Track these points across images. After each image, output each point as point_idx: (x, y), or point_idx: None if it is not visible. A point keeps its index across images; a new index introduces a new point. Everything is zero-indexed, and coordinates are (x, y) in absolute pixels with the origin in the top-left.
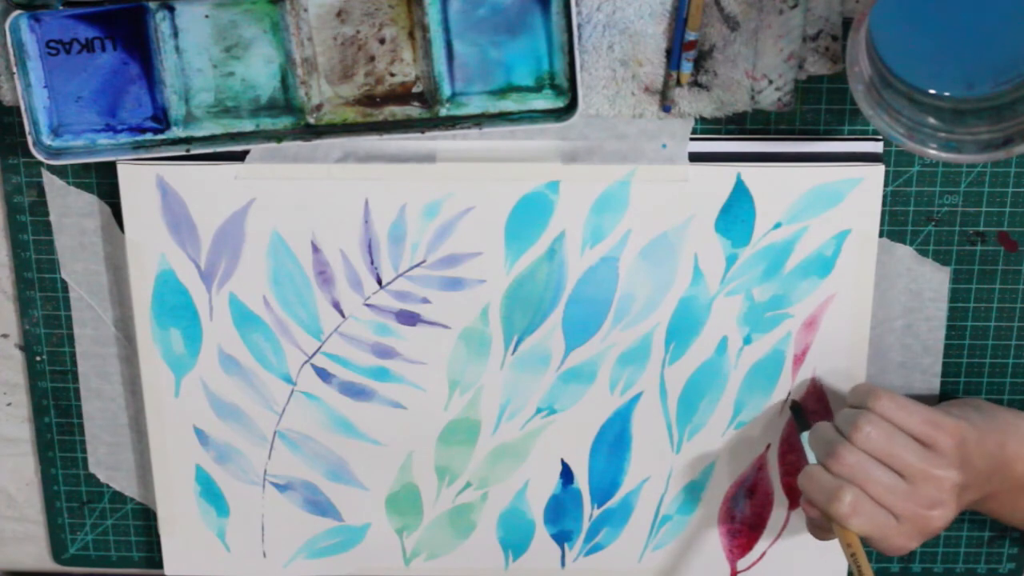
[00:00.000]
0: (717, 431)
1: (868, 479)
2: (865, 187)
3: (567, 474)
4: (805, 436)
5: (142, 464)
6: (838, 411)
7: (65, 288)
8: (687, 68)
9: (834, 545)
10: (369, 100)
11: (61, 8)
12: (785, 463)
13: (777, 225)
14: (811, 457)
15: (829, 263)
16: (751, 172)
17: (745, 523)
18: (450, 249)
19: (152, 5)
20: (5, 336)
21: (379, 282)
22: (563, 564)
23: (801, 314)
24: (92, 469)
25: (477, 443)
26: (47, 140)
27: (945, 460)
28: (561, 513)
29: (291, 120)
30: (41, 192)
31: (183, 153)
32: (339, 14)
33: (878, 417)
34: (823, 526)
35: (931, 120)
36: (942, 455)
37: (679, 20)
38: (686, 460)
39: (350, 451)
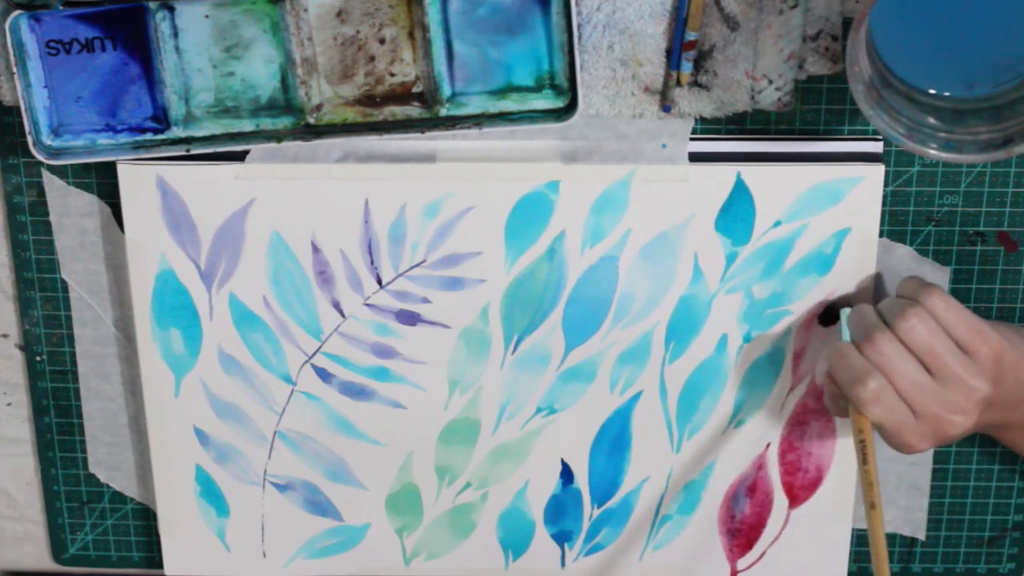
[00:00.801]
0: (717, 430)
1: (897, 371)
2: (865, 186)
3: (567, 474)
4: (846, 313)
5: (142, 464)
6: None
7: (65, 288)
8: (687, 68)
9: (833, 545)
10: (369, 100)
11: (61, 8)
12: (785, 463)
13: (777, 223)
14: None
15: (829, 261)
16: (751, 171)
17: (745, 523)
18: (450, 249)
19: (152, 5)
20: (5, 336)
21: (379, 282)
22: (563, 564)
23: (801, 312)
24: (92, 469)
25: (477, 443)
26: (47, 140)
27: (980, 371)
28: (561, 513)
29: (291, 120)
30: (41, 192)
31: (183, 153)
32: (339, 14)
33: (927, 313)
34: (840, 404)
35: (931, 120)
36: (979, 365)
37: (679, 20)
38: (686, 460)
39: (350, 451)
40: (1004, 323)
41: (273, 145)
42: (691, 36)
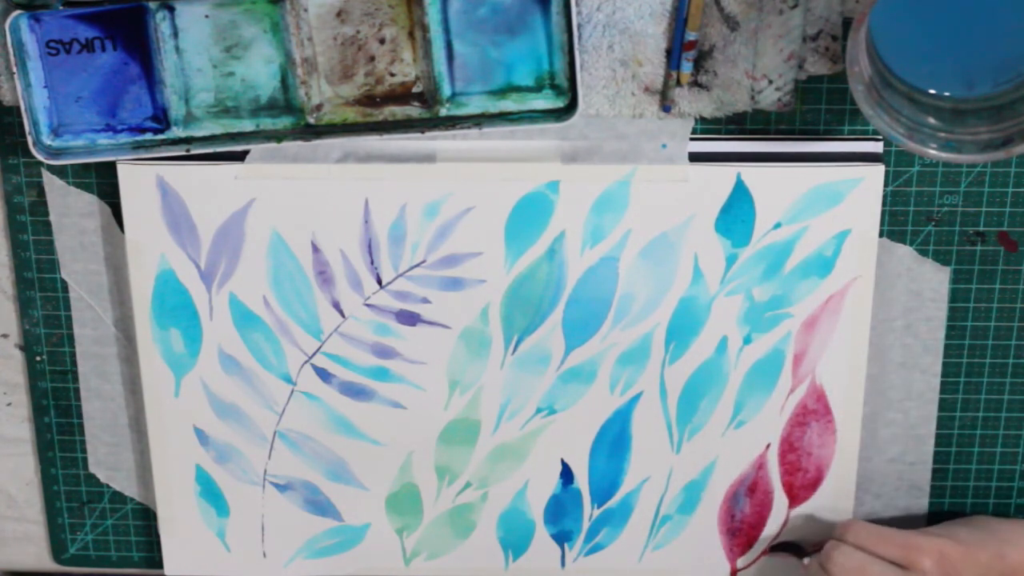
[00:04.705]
0: (717, 431)
1: None
2: (865, 187)
3: (567, 474)
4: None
5: (142, 464)
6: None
7: (65, 288)
8: (687, 68)
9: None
10: (369, 100)
11: (61, 8)
12: (785, 463)
13: (777, 225)
14: None
15: (829, 263)
16: (751, 172)
17: (745, 523)
18: (450, 249)
19: (152, 5)
20: (5, 336)
21: (379, 282)
22: (563, 564)
23: (801, 314)
24: (92, 469)
25: (477, 443)
26: (47, 140)
27: None
28: (561, 513)
29: (291, 120)
30: (41, 192)
31: (183, 153)
32: (339, 14)
33: (850, 547)
34: None
35: (931, 120)
36: (921, 574)
37: (679, 20)
38: (686, 460)
39: (350, 451)
40: (956, 520)
41: (273, 145)
42: (691, 36)
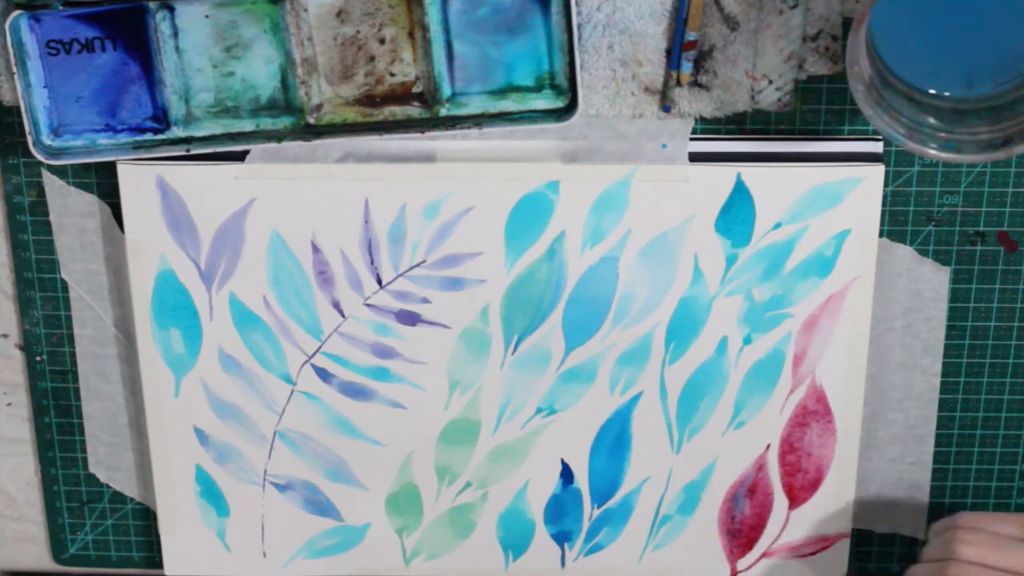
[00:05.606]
0: (717, 431)
1: None
2: (865, 187)
3: (567, 474)
4: None
5: (142, 464)
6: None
7: (65, 288)
8: (687, 68)
9: (834, 546)
10: (369, 100)
11: (61, 8)
12: (785, 463)
13: (777, 225)
14: None
15: (829, 263)
16: (751, 172)
17: (745, 523)
18: (450, 249)
19: (152, 5)
20: (5, 336)
21: (379, 282)
22: (563, 564)
23: (801, 314)
24: (92, 469)
25: (477, 443)
26: (47, 140)
27: None
28: (561, 513)
29: (291, 120)
30: (41, 192)
31: (183, 153)
32: (339, 14)
33: (968, 529)
34: None
35: (931, 120)
36: None
37: (679, 20)
38: (686, 460)
39: (350, 451)
40: None
41: (273, 145)
42: (691, 36)
